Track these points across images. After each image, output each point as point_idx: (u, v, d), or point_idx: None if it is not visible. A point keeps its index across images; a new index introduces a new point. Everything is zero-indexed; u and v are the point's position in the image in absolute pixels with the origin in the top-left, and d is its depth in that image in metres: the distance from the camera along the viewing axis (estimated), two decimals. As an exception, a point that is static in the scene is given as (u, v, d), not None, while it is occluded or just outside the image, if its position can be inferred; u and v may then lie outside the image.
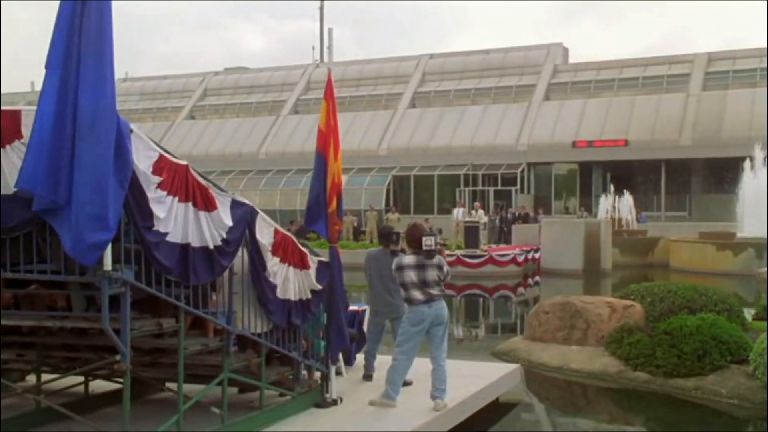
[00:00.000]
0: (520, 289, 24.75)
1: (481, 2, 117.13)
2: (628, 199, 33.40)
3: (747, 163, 29.82)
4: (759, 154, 29.32)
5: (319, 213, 7.84)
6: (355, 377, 9.16)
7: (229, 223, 6.30)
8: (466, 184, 41.21)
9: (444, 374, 7.78)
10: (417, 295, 7.72)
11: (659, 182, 40.03)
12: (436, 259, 7.73)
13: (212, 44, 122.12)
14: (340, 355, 9.12)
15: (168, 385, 7.31)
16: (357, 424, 7.17)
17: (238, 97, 53.07)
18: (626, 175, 40.58)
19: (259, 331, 6.89)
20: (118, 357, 5.45)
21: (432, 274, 7.70)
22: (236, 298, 6.69)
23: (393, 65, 50.52)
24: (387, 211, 37.17)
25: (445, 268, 7.80)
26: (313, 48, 56.66)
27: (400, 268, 7.77)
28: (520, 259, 27.54)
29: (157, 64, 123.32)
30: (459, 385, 8.63)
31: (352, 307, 9.69)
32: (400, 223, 34.25)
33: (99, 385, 7.90)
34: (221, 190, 6.31)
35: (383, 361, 8.64)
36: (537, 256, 28.99)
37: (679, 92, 41.42)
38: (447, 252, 27.63)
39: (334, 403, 7.80)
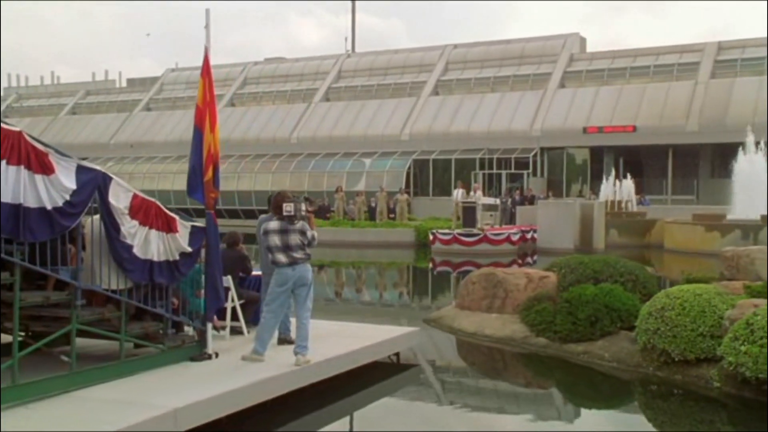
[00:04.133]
0: (514, 267, 24.58)
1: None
2: (628, 182, 32.94)
3: (740, 149, 29.22)
4: (750, 139, 28.69)
5: (197, 182, 8.01)
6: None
7: (73, 186, 6.51)
8: (482, 168, 41.03)
9: (306, 332, 7.91)
10: (281, 258, 7.87)
11: (667, 167, 39.37)
12: (299, 224, 7.86)
13: (274, 37, 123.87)
14: (241, 314, 9.37)
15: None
16: (214, 375, 7.35)
17: (275, 86, 53.40)
18: (635, 159, 39.98)
19: (115, 287, 7.10)
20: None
21: (295, 239, 7.84)
22: (89, 255, 6.94)
23: (419, 55, 50.33)
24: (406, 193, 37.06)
25: (309, 233, 7.92)
26: (346, 39, 57.07)
27: (266, 232, 7.93)
28: (515, 238, 27.38)
29: (222, 55, 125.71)
30: (337, 344, 8.80)
31: (255, 272, 9.88)
32: (407, 204, 34.44)
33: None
34: (64, 155, 6.51)
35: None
36: (536, 235, 28.81)
37: (688, 80, 40.53)
38: (445, 230, 27.72)
39: (209, 357, 7.99)
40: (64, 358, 6.80)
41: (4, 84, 75.20)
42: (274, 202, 7.97)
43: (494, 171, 41.04)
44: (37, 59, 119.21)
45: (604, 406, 8.82)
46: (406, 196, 34.01)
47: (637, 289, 11.01)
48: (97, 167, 6.81)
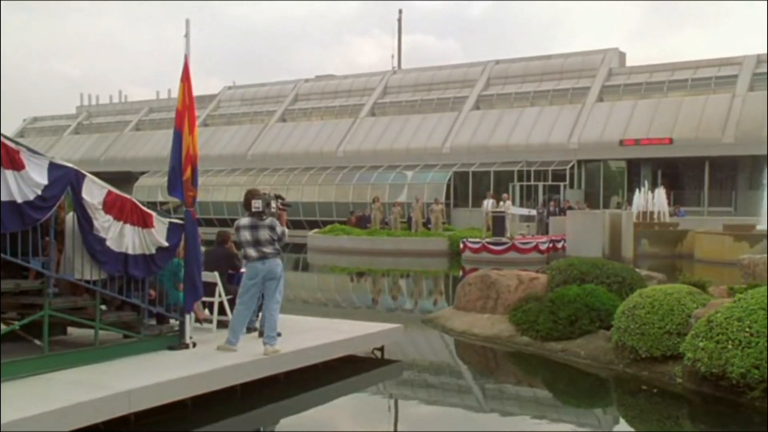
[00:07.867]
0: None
1: (581, 8, 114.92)
2: (661, 193, 32.43)
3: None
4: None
5: (176, 182, 8.22)
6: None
7: (44, 182, 6.77)
8: (520, 180, 40.82)
9: (274, 323, 8.04)
10: (251, 252, 8.04)
11: (704, 179, 38.61)
12: (269, 220, 8.01)
13: (334, 56, 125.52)
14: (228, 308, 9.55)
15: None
16: (181, 362, 7.52)
17: (324, 102, 53.95)
18: (672, 171, 39.31)
19: (88, 277, 7.33)
20: None
21: (264, 234, 8.00)
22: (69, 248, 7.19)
23: (462, 71, 50.33)
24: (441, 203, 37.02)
25: (279, 229, 8.06)
26: (393, 56, 57.49)
27: (237, 228, 8.11)
28: (543, 247, 27.15)
29: (286, 74, 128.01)
30: (314, 338, 8.92)
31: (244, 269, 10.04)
32: (442, 214, 34.41)
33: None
34: (36, 153, 6.78)
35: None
36: (566, 245, 28.53)
37: (725, 93, 39.70)
38: (474, 239, 27.62)
39: (186, 346, 8.18)
40: (37, 342, 7.04)
41: (77, 103, 77.71)
42: (245, 199, 8.14)
43: (532, 183, 40.79)
44: (114, 81, 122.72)
45: (571, 401, 8.74)
46: (441, 206, 33.99)
47: (623, 291, 10.87)
48: (70, 165, 7.07)
